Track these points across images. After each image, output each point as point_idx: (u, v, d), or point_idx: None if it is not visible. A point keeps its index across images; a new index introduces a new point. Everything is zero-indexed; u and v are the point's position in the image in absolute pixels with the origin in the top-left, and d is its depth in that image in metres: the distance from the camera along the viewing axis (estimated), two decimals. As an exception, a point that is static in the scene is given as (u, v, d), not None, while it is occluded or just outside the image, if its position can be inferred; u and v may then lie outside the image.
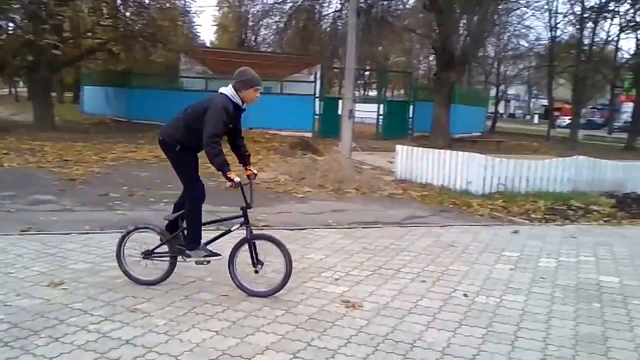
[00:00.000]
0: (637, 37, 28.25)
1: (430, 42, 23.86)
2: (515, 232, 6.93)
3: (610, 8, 28.08)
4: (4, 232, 5.57)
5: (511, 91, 59.29)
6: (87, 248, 5.14)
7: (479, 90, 38.99)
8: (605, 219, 8.23)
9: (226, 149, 4.04)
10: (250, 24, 37.21)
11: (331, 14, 23.39)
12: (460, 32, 21.51)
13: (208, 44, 41.59)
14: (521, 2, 26.41)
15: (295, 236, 6.01)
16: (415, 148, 11.26)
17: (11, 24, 17.54)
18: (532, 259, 5.66)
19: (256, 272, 4.14)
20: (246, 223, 4.11)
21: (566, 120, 41.18)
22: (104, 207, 7.15)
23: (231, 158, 4.03)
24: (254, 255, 4.12)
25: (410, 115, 23.60)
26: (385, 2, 21.70)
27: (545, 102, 51.77)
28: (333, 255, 5.39)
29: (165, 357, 3.10)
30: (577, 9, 28.88)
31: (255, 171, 4.26)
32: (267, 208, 7.60)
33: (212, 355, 3.15)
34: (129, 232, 4.30)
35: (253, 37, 38.51)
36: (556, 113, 41.15)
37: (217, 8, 41.58)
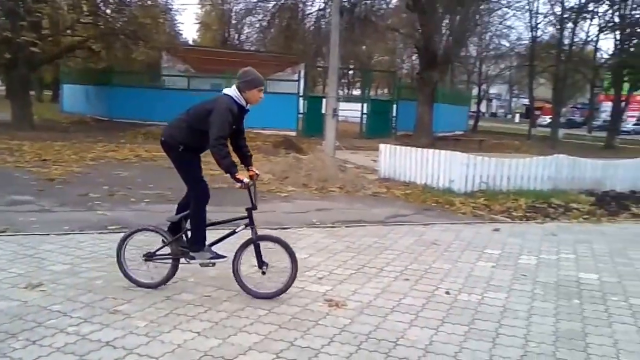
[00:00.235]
0: (615, 38, 28.77)
1: (413, 42, 24.02)
2: (497, 230, 7.00)
3: (590, 9, 28.57)
4: (-20, 233, 5.44)
5: (493, 90, 59.98)
6: (66, 249, 5.05)
7: (462, 90, 39.36)
8: (584, 216, 8.35)
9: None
10: (234, 22, 37.06)
11: (314, 13, 23.41)
12: (443, 31, 21.70)
13: (190, 42, 41.26)
14: (502, 2, 26.80)
15: (279, 235, 5.97)
16: (398, 147, 11.31)
17: (-12, 21, 17.19)
18: (513, 256, 5.72)
19: (263, 273, 4.09)
20: (251, 224, 4.07)
21: (547, 119, 41.73)
22: (84, 207, 7.03)
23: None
24: (259, 256, 4.07)
25: (394, 114, 23.73)
26: (369, 2, 21.77)
27: (526, 101, 52.53)
28: (316, 254, 5.38)
29: (146, 359, 3.06)
30: (557, 9, 29.38)
31: (257, 172, 4.25)
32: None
33: (193, 356, 3.12)
34: (130, 234, 4.21)
35: (236, 36, 38.37)
36: (537, 112, 41.63)
37: (200, 6, 41.35)
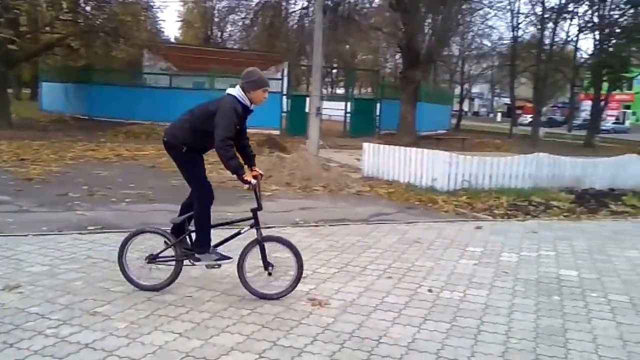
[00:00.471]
0: (594, 38, 29.26)
1: (396, 41, 24.11)
2: (479, 227, 7.07)
3: (570, 9, 29.02)
4: (-45, 234, 5.32)
5: (475, 90, 60.58)
6: (44, 250, 4.96)
7: (444, 89, 39.63)
8: (564, 214, 8.48)
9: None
10: (216, 20, 36.85)
11: (298, 11, 23.39)
12: (426, 31, 21.82)
13: (172, 40, 40.85)
14: (484, 2, 27.08)
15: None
16: (382, 145, 11.34)
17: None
18: (495, 254, 5.78)
19: (269, 274, 4.06)
20: (256, 225, 4.04)
21: (528, 118, 42.24)
22: (63, 207, 6.92)
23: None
24: (264, 257, 4.04)
25: (377, 113, 23.80)
26: (352, 0, 21.81)
27: (507, 100, 53.13)
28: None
29: (126, 361, 3.02)
30: (538, 9, 29.76)
31: (261, 171, 4.22)
32: (233, 207, 7.50)
33: (175, 357, 3.09)
34: (132, 236, 4.12)
35: (219, 34, 38.14)
36: (518, 111, 42.15)
37: (182, 3, 40.96)
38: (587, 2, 28.28)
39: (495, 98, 66.42)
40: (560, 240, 6.58)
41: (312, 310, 3.90)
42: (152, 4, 23.03)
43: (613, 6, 27.84)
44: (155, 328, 3.45)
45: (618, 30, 27.89)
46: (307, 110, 16.00)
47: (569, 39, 31.88)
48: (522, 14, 31.81)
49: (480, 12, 29.25)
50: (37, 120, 20.64)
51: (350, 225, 6.88)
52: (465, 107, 56.07)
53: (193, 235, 4.11)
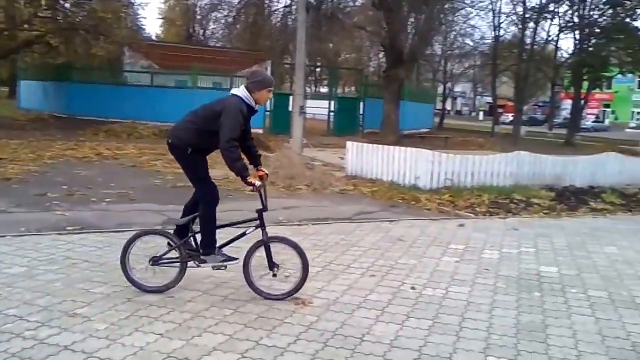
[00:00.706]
0: (575, 37, 29.73)
1: (379, 40, 24.20)
2: (461, 225, 7.13)
3: (550, 9, 29.42)
4: None
5: (458, 89, 61.15)
6: (22, 251, 4.86)
7: (427, 88, 39.89)
8: (545, 211, 8.59)
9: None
10: (198, 17, 36.55)
11: (281, 10, 23.33)
12: (409, 30, 21.94)
13: (154, 38, 40.42)
14: (466, 1, 27.33)
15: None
16: (365, 144, 11.36)
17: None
18: (477, 251, 5.83)
19: (274, 275, 4.03)
20: (262, 226, 4.01)
21: (509, 117, 42.75)
22: (41, 207, 6.79)
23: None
24: (270, 258, 4.01)
25: (361, 112, 23.84)
26: (335, -1, 21.83)
27: (489, 99, 53.64)
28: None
29: (106, 363, 2.97)
30: (519, 9, 30.16)
31: (267, 171, 4.19)
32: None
33: (156, 358, 3.05)
34: (135, 238, 4.06)
35: (201, 31, 37.84)
36: (500, 110, 42.60)
37: (163, 0, 40.57)
38: (567, 2, 28.74)
39: (478, 97, 67.10)
40: (541, 237, 6.67)
41: (296, 309, 3.89)
42: (132, 1, 22.73)
43: (592, 6, 28.34)
44: (136, 329, 3.40)
45: (597, 30, 28.39)
46: (290, 108, 15.96)
47: (549, 38, 32.44)
48: (504, 13, 32.35)
49: (462, 11, 29.61)
50: (15, 119, 20.21)
51: (333, 223, 6.89)
52: (448, 106, 56.57)
53: (197, 236, 4.08)
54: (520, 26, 29.98)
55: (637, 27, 27.19)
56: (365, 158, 10.97)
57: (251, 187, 3.85)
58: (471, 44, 35.38)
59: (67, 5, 18.23)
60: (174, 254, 4.07)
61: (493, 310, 4.09)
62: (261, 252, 4.04)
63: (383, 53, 28.35)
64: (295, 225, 6.68)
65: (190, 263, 4.08)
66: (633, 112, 52.56)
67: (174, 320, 3.57)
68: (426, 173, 9.71)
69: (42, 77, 23.08)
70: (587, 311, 4.19)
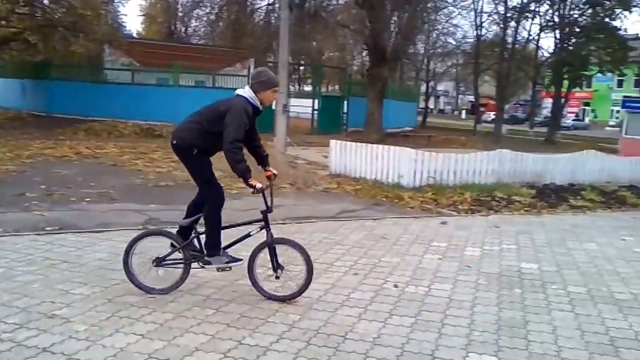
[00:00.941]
0: (555, 37, 30.12)
1: (363, 39, 24.25)
2: (444, 223, 7.18)
3: (531, 8, 29.77)
4: None
5: (440, 87, 61.53)
6: (0, 252, 4.78)
7: (410, 86, 40.09)
8: (526, 208, 8.70)
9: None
10: (180, 14, 36.14)
11: (264, 7, 23.22)
12: (392, 29, 22.01)
13: (135, 35, 39.91)
14: (448, 1, 27.49)
15: (229, 233, 5.88)
16: (349, 143, 11.37)
17: None
18: (459, 248, 5.88)
19: (277, 277, 4.00)
20: (267, 227, 3.98)
21: (491, 115, 43.16)
22: (19, 207, 6.66)
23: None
24: (274, 259, 3.98)
25: (345, 110, 23.87)
26: (318, -3, 21.81)
27: (472, 98, 54.13)
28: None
29: (86, 365, 2.93)
30: (501, 8, 30.44)
31: (275, 171, 4.16)
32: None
33: (137, 359, 3.02)
34: (138, 239, 3.98)
35: (183, 29, 37.43)
36: (482, 109, 42.99)
37: (144, -3, 40.05)
38: (547, 2, 29.12)
39: (460, 96, 67.66)
40: (522, 234, 6.75)
41: (279, 308, 3.88)
42: (113, -3, 22.39)
43: (573, 6, 28.74)
44: (117, 330, 3.36)
45: (577, 30, 28.83)
46: (274, 107, 15.90)
47: (530, 37, 32.85)
48: (486, 13, 32.67)
49: (445, 10, 29.72)
50: (-7, 117, 19.85)
51: (317, 222, 6.88)
52: (431, 105, 56.92)
53: (201, 237, 4.04)
54: (502, 25, 30.29)
55: (616, 26, 27.72)
56: (349, 157, 10.98)
57: (252, 190, 3.80)
58: (453, 43, 35.64)
59: (45, 1, 17.91)
60: (178, 255, 4.02)
61: (475, 307, 4.12)
62: (265, 254, 4.01)
63: (366, 52, 28.42)
64: (279, 223, 6.63)
65: (194, 264, 4.04)
66: (612, 110, 53.46)
67: (156, 321, 3.53)
68: (409, 171, 9.76)
69: (20, 74, 22.67)
70: (567, 307, 4.25)
